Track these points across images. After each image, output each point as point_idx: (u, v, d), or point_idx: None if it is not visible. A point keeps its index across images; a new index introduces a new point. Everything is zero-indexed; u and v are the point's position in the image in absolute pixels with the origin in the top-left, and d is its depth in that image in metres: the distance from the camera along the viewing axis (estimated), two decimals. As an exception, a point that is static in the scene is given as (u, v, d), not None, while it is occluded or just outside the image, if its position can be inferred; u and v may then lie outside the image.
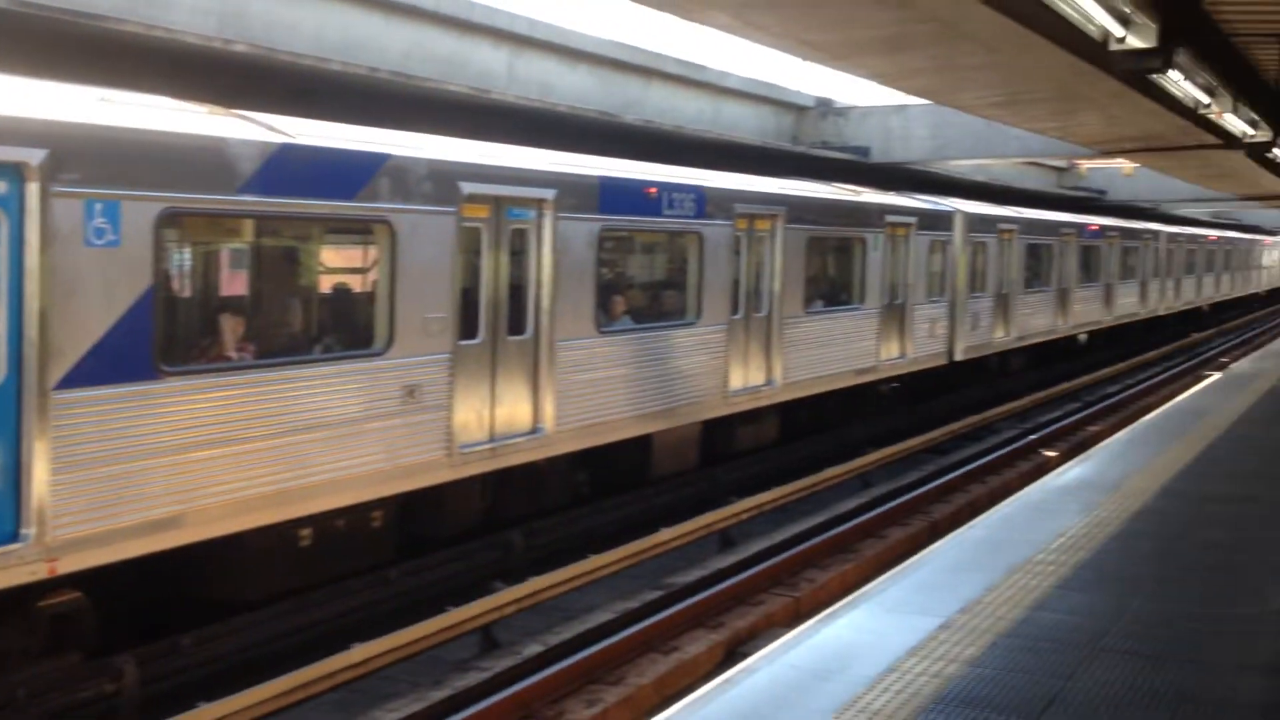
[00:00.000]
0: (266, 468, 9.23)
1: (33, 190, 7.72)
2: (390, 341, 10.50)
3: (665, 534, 12.91)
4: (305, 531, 9.97)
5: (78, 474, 7.93)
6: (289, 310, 10.79)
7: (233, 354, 9.57)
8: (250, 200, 9.38)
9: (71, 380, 7.97)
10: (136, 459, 8.34)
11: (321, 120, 10.83)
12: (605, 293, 13.54)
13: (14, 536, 7.63)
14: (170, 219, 8.82)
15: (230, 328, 9.68)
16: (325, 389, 9.87)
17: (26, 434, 7.69)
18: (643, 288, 15.44)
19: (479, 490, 12.06)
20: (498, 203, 11.73)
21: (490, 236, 11.66)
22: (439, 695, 8.95)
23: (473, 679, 9.35)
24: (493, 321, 11.71)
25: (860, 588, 7.32)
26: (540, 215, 12.20)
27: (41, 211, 7.74)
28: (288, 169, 9.57)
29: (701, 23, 9.75)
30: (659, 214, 14.21)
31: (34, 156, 7.70)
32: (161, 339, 8.66)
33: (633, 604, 11.45)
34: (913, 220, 20.37)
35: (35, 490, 7.70)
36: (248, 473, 9.10)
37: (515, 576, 11.45)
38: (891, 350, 19.95)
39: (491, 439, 11.59)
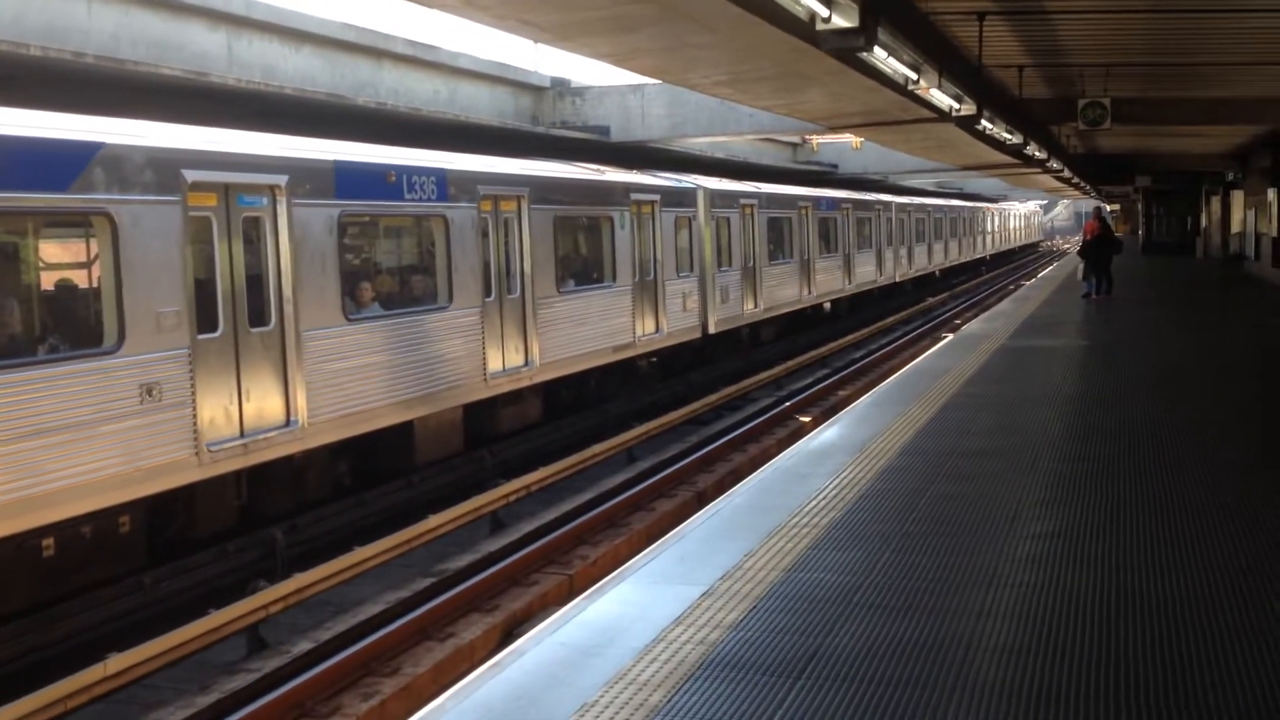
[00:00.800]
0: None
1: None
2: (121, 338, 9.80)
3: (434, 520, 12.50)
4: (48, 541, 9.23)
5: None
6: (5, 310, 9.94)
7: None
8: None
9: None
10: None
11: (27, 109, 10.01)
12: (351, 280, 13.08)
13: None
14: None
15: None
16: (53, 391, 9.12)
17: None
18: (391, 273, 14.99)
19: (233, 488, 11.43)
20: (226, 190, 11.17)
21: (221, 225, 11.07)
22: (207, 700, 8.40)
23: (242, 681, 8.80)
24: (232, 314, 11.11)
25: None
26: (274, 202, 11.66)
27: None
28: None
29: (426, 5, 9.52)
30: (400, 198, 13.81)
31: None
32: None
33: (405, 593, 11.03)
34: (656, 197, 20.51)
35: None
36: None
37: (279, 574, 10.89)
38: (648, 326, 20.05)
39: (242, 435, 11.00)
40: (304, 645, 9.62)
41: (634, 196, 19.68)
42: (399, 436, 13.71)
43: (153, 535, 10.63)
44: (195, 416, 10.39)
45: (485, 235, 15.40)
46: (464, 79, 20.57)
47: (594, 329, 18.01)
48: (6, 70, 11.94)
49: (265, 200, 11.63)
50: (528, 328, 16.15)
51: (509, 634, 10.28)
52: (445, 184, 14.49)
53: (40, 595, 9.37)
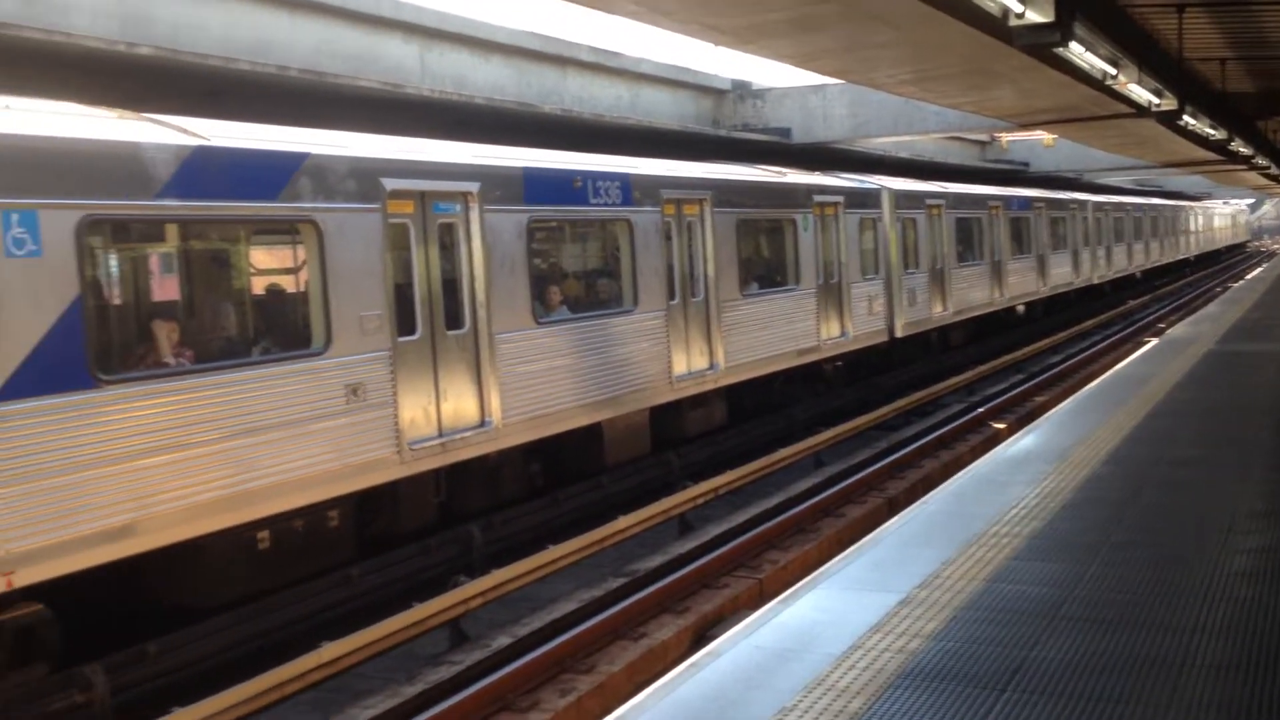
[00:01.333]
0: (216, 472, 8.92)
1: None
2: (328, 341, 10.17)
3: (624, 521, 12.65)
4: (263, 534, 9.64)
5: (21, 487, 7.60)
6: (223, 314, 10.43)
7: (170, 360, 9.18)
8: (171, 205, 9.06)
9: (6, 393, 7.59)
10: (82, 469, 8.03)
11: (237, 121, 10.49)
12: (540, 284, 13.30)
13: None
14: (92, 227, 8.44)
15: (165, 334, 9.32)
16: (266, 390, 9.53)
17: None
18: (577, 277, 15.20)
19: (433, 486, 11.75)
20: (423, 197, 11.48)
21: (418, 232, 11.39)
22: (413, 690, 8.65)
23: (445, 673, 9.04)
24: (429, 317, 11.42)
25: (820, 566, 7.20)
26: (466, 209, 11.95)
27: None
28: (206, 171, 9.28)
29: (609, 11, 9.62)
30: (586, 203, 14.00)
31: None
32: (96, 347, 8.33)
33: (597, 592, 11.18)
34: (840, 199, 20.29)
35: None
36: (197, 478, 8.79)
37: (477, 570, 11.15)
38: (832, 329, 19.85)
39: (440, 434, 11.29)
40: (503, 640, 9.82)
41: (817, 198, 19.52)
42: (588, 438, 13.88)
43: (359, 530, 10.98)
44: (397, 416, 10.70)
45: (669, 239, 15.48)
46: (646, 84, 20.73)
47: (778, 332, 17.92)
48: (218, 84, 12.51)
49: (459, 207, 11.92)
50: (712, 331, 16.16)
51: (700, 636, 10.31)
52: (629, 188, 14.62)
53: (256, 586, 9.76)
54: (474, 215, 11.97)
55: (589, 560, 12.03)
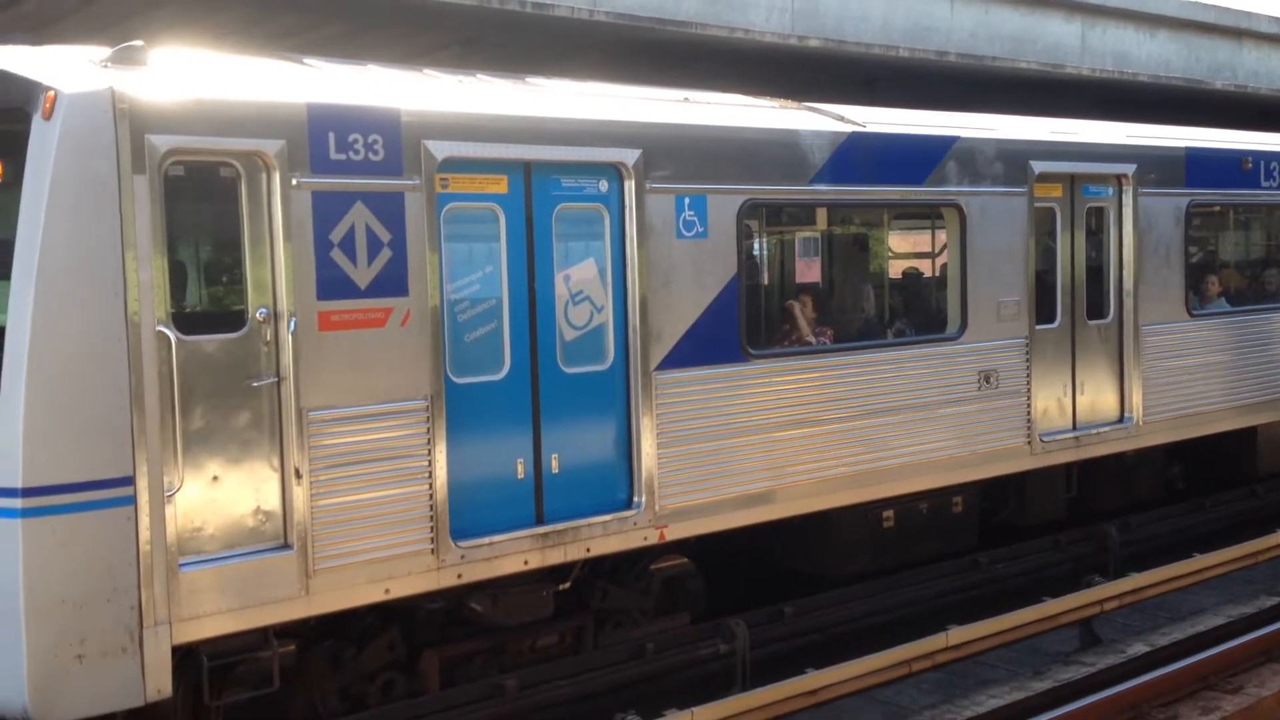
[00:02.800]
0: (846, 449, 9.25)
1: (630, 188, 8.15)
2: (963, 326, 10.18)
3: (1280, 536, 11.58)
4: (888, 513, 9.90)
5: (677, 449, 8.28)
6: (862, 295, 10.77)
7: (810, 339, 9.66)
8: (823, 189, 9.43)
9: (669, 362, 8.34)
10: (728, 436, 8.60)
11: (887, 107, 10.74)
12: (1196, 273, 12.43)
13: (628, 504, 8.11)
14: (750, 210, 9.04)
15: (807, 313, 9.80)
16: (900, 372, 9.71)
17: (634, 411, 8.13)
18: (1238, 267, 14.02)
19: (1063, 481, 11.42)
20: (1072, 180, 11.11)
21: (1064, 216, 11.05)
22: (1040, 686, 8.51)
23: (1075, 673, 8.80)
24: (1070, 305, 11.06)
25: None
26: (1119, 192, 11.41)
27: (638, 207, 8.15)
28: (857, 157, 9.54)
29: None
30: (1257, 186, 12.87)
31: (629, 157, 8.12)
32: (746, 324, 8.88)
33: (1248, 609, 10.35)
34: None
35: (644, 463, 8.13)
36: (829, 453, 9.16)
37: (1112, 571, 10.73)
38: None
39: (1074, 428, 10.93)
40: (1139, 647, 9.40)
41: None
42: (1238, 443, 12.80)
43: (983, 518, 10.92)
44: (1030, 406, 10.50)
45: None
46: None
47: None
48: (877, 72, 12.94)
49: (1110, 190, 11.44)
50: None
51: (1366, 670, 9.24)
52: None
53: (880, 563, 9.99)
54: (1127, 198, 11.43)
55: (1238, 574, 11.15)
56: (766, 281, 10.87)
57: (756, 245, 10.51)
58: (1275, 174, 12.99)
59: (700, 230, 8.53)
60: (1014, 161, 10.54)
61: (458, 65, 10.53)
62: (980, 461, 10.15)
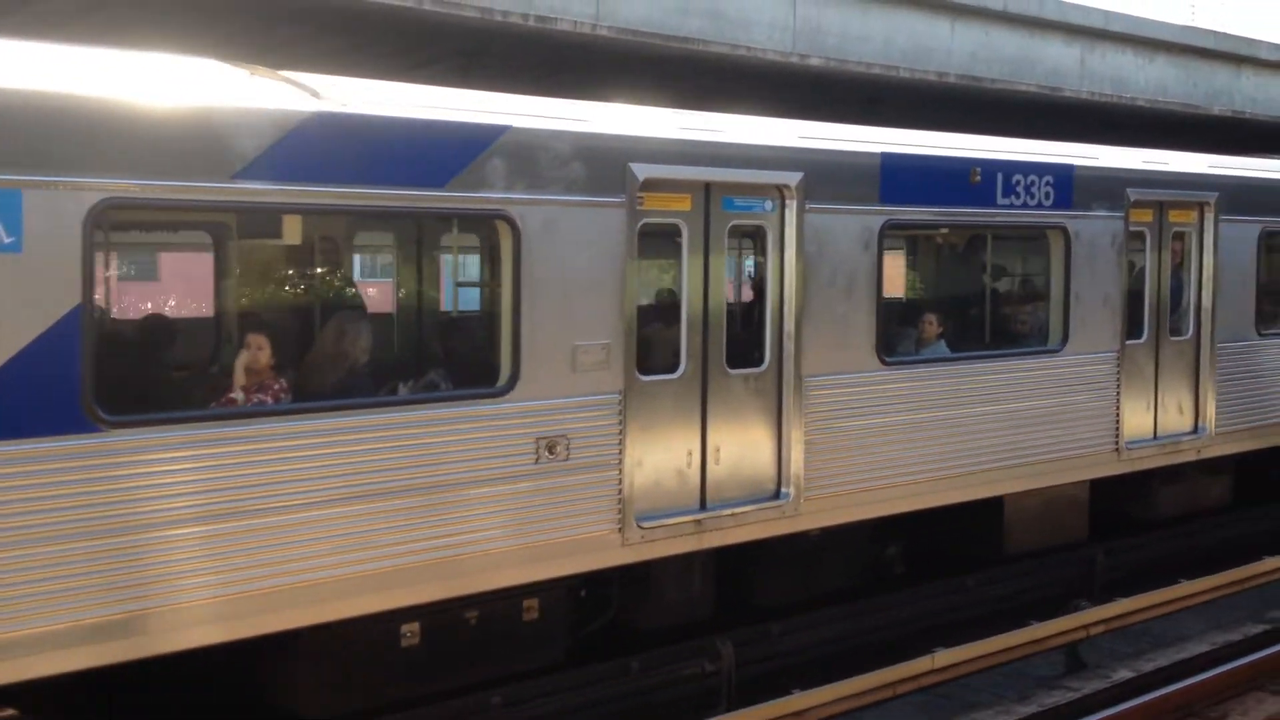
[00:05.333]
0: (333, 540, 6.92)
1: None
2: (514, 378, 7.53)
3: (1269, 563, 11.64)
4: (409, 627, 7.57)
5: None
6: (348, 336, 7.98)
7: (259, 396, 7.23)
8: (256, 189, 6.68)
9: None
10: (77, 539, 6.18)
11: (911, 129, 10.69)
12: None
13: None
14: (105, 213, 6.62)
15: (258, 362, 7.25)
16: (418, 440, 7.28)
17: None
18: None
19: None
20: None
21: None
22: (1025, 710, 8.56)
23: (1060, 698, 8.85)
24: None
25: None
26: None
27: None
28: (325, 147, 6.90)
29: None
30: None
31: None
32: (93, 376, 6.28)
33: (1233, 636, 10.40)
34: None
35: None
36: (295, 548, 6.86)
37: (1098, 596, 10.79)
38: None
39: (703, 507, 8.57)
40: (1124, 673, 9.44)
41: None
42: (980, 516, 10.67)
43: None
44: (621, 481, 8.02)
45: None
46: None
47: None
48: (878, 92, 13.02)
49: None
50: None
51: (1352, 699, 9.30)
52: None
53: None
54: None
55: (1225, 601, 11.21)
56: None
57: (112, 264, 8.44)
58: None
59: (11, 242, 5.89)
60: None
61: (460, 80, 10.59)
62: (544, 556, 7.69)
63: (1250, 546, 12.45)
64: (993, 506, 10.42)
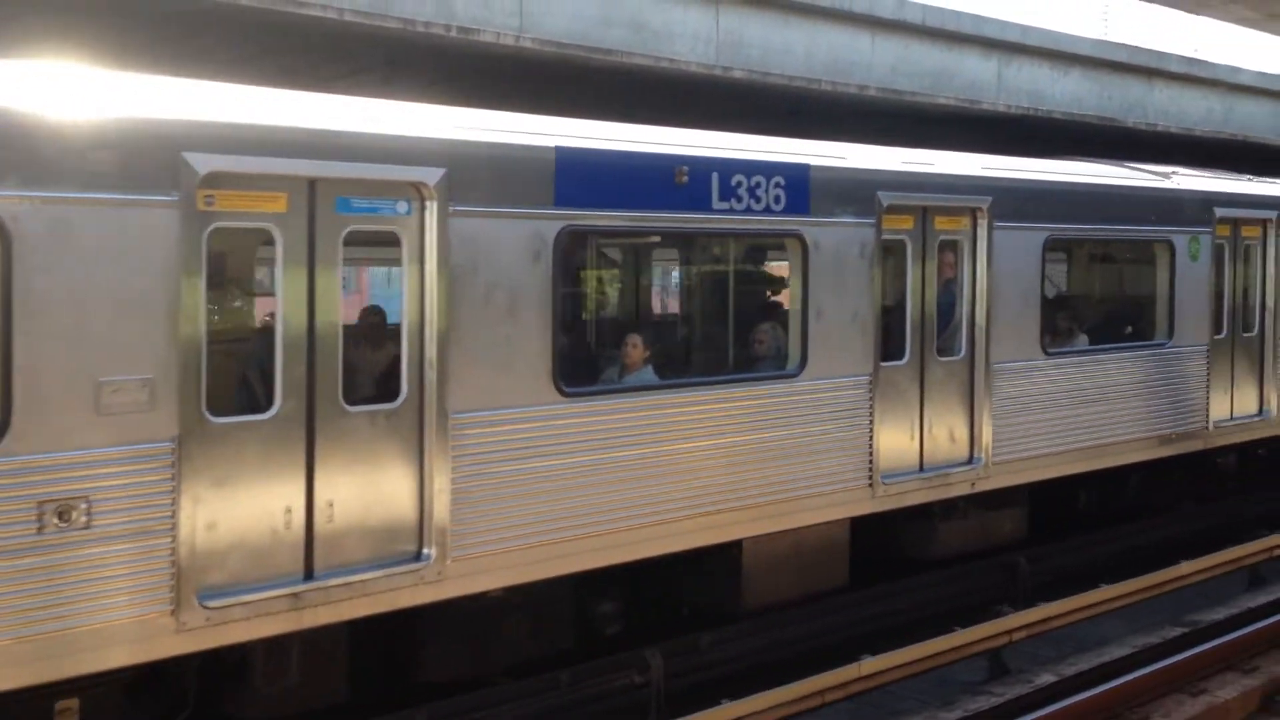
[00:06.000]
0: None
1: None
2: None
3: (1186, 567, 11.85)
4: None
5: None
6: None
7: None
8: None
9: None
10: None
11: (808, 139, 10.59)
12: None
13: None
14: None
15: None
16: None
17: None
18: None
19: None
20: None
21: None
22: (950, 716, 8.59)
23: (984, 703, 8.90)
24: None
25: None
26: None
27: None
28: None
29: (1220, 18, 8.99)
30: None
31: None
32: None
33: (1153, 639, 10.54)
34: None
35: None
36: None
37: (1022, 601, 10.89)
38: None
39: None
40: (1047, 677, 9.53)
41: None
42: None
43: None
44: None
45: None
46: (1242, 96, 19.23)
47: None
48: (800, 104, 13.11)
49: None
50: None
51: (1270, 698, 9.49)
52: None
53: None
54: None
55: (1144, 604, 11.38)
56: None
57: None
58: None
59: None
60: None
61: (382, 91, 10.50)
62: (64, 650, 6.18)
63: (1169, 550, 12.68)
64: (731, 552, 9.20)
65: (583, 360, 9.14)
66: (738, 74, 12.09)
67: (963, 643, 9.60)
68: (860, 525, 10.00)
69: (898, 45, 14.23)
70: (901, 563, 10.79)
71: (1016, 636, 10.00)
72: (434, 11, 11.39)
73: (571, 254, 9.10)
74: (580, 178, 7.97)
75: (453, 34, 11.51)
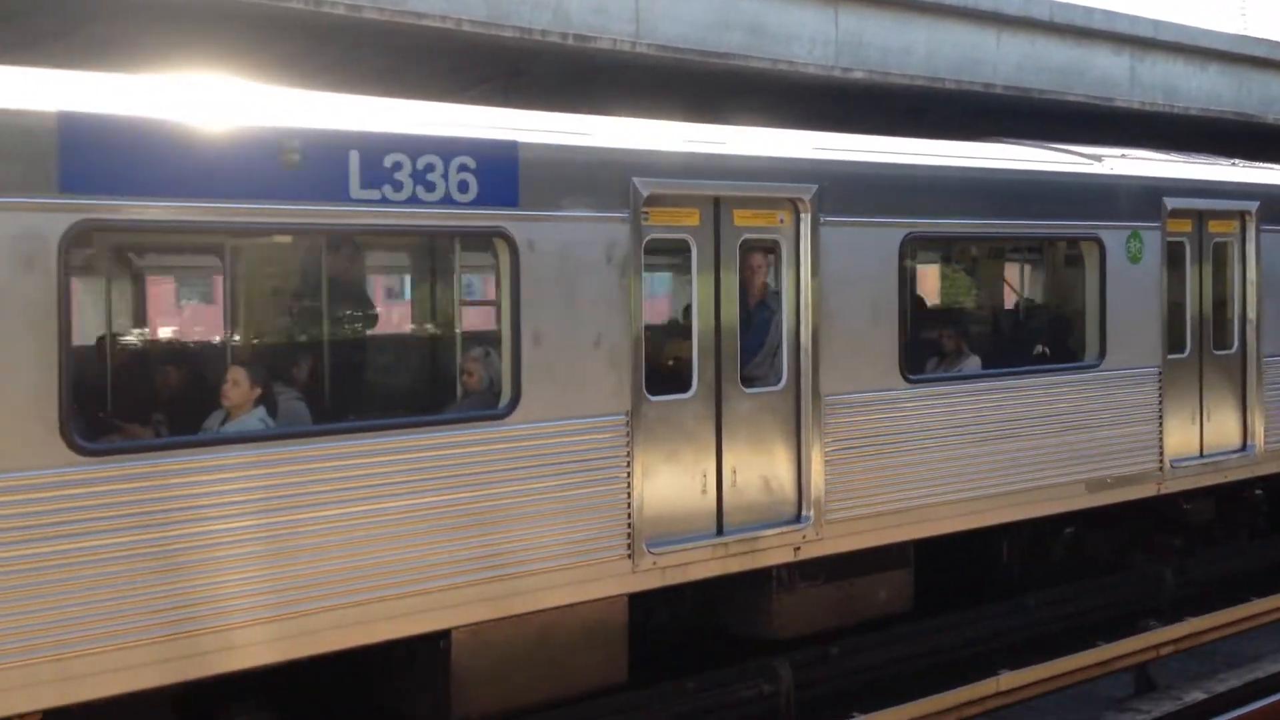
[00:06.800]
0: None
1: None
2: None
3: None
4: None
5: None
6: None
7: None
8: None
9: None
10: None
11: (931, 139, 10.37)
12: None
13: None
14: None
15: None
16: None
17: None
18: None
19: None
20: None
21: None
22: (1095, 733, 8.27)
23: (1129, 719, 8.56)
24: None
25: None
26: None
27: None
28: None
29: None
30: None
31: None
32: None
33: (1309, 655, 10.03)
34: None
35: None
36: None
37: (1167, 615, 10.43)
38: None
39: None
40: (1196, 694, 9.11)
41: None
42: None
43: None
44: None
45: None
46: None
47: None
48: (923, 103, 12.82)
49: None
50: None
51: None
52: None
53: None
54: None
55: (1300, 619, 10.84)
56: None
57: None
58: None
59: None
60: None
61: (505, 99, 10.49)
62: None
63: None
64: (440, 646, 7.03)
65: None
66: (858, 75, 11.85)
67: (1107, 657, 9.22)
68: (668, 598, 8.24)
69: (1024, 42, 13.86)
70: (732, 642, 8.78)
71: (1164, 651, 9.58)
72: (550, 20, 11.38)
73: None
74: (101, 155, 5.82)
75: (570, 41, 11.48)
